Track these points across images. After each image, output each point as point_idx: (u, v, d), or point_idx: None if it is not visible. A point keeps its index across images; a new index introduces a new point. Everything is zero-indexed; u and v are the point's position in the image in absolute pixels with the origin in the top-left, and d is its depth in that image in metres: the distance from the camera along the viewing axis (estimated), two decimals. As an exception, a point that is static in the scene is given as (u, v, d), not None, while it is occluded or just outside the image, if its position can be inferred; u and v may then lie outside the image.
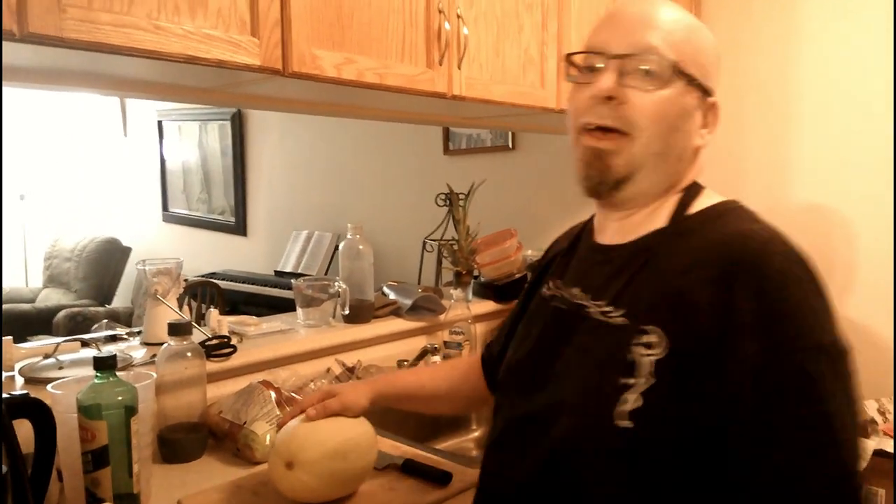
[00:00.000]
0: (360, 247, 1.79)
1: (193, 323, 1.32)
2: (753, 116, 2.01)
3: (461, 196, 2.10)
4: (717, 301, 0.70)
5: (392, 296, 1.92)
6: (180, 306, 1.51)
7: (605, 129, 0.80)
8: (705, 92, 0.82)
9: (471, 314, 1.86)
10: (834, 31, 1.85)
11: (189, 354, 1.20)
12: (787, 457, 0.65)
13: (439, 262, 2.44)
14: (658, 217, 0.83)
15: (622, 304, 0.78)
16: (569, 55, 0.85)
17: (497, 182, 2.61)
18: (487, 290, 2.12)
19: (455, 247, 2.05)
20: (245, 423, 1.18)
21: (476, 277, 2.14)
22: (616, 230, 0.87)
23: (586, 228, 0.96)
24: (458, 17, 1.44)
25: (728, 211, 0.81)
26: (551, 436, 0.78)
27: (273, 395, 1.21)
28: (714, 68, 0.84)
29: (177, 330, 1.19)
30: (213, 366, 1.36)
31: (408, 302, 1.85)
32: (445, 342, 1.83)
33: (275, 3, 1.14)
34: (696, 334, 0.70)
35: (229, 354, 1.41)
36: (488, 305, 2.03)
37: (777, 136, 1.97)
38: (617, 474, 0.72)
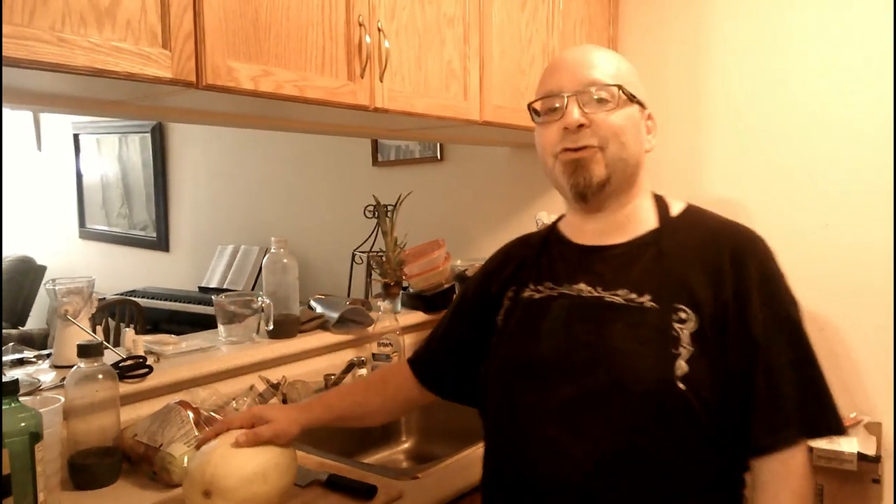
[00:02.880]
0: (285, 260, 1.76)
1: (106, 343, 1.28)
2: (669, 118, 2.11)
3: (388, 207, 2.10)
4: (734, 274, 0.93)
5: (319, 309, 1.90)
6: (95, 326, 1.45)
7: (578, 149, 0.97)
8: (642, 105, 1.01)
9: (399, 325, 1.86)
10: (742, 34, 1.98)
11: (100, 376, 1.15)
12: (786, 367, 0.90)
13: (369, 275, 2.43)
14: (642, 219, 1.01)
15: (645, 290, 0.94)
16: (530, 104, 1.03)
17: (426, 193, 2.63)
18: (416, 300, 2.12)
19: (383, 258, 2.05)
20: (161, 445, 1.14)
21: (405, 288, 2.14)
22: (600, 231, 1.02)
23: (553, 237, 1.09)
24: (379, 30, 1.45)
25: (700, 212, 1.04)
26: (623, 408, 0.89)
27: (191, 415, 1.17)
28: (640, 86, 1.02)
29: (87, 351, 1.14)
30: (127, 387, 1.32)
31: (335, 315, 1.84)
32: (374, 354, 1.82)
33: (187, 16, 1.12)
34: (720, 302, 0.91)
35: (144, 375, 1.36)
36: (417, 316, 2.03)
37: (691, 135, 2.09)
38: (682, 431, 0.89)
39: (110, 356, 1.35)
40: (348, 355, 1.79)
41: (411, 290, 2.15)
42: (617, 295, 0.95)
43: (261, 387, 1.52)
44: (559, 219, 1.12)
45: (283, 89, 1.27)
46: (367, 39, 1.41)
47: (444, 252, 2.14)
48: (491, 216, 2.53)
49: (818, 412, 0.90)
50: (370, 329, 1.85)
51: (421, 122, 1.74)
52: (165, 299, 3.53)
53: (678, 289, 0.93)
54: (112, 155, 4.42)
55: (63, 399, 1.14)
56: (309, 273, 3.01)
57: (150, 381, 1.38)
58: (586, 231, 1.03)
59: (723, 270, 0.93)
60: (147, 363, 1.39)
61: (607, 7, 2.17)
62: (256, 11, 1.22)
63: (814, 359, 0.93)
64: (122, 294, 3.62)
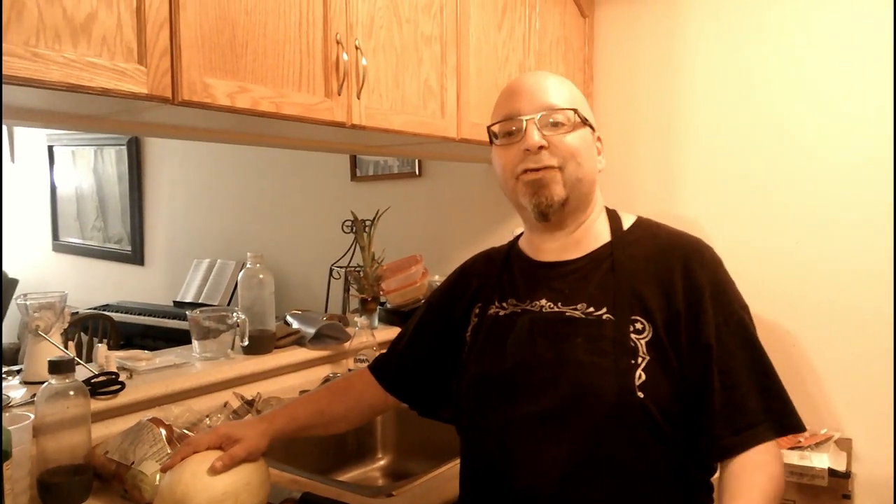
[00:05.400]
0: (261, 276, 1.76)
1: (78, 359, 1.26)
2: (642, 136, 2.15)
3: (366, 222, 2.11)
4: (686, 285, 0.96)
5: (295, 325, 1.90)
6: (67, 341, 1.43)
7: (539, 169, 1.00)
8: (592, 128, 1.06)
9: (376, 341, 1.86)
10: (715, 55, 2.02)
11: (71, 393, 1.14)
12: (742, 369, 0.94)
13: (346, 290, 2.43)
14: (597, 234, 1.05)
15: (602, 304, 0.98)
16: (489, 126, 1.06)
17: (404, 208, 2.64)
18: (394, 316, 2.13)
19: (361, 274, 2.05)
20: (133, 463, 1.13)
21: (382, 304, 2.15)
22: (559, 248, 1.05)
23: (514, 254, 1.12)
24: (357, 47, 1.46)
25: (650, 224, 1.08)
26: (586, 419, 0.92)
27: (164, 432, 1.16)
28: (589, 111, 1.07)
29: (58, 367, 1.13)
30: (99, 404, 1.30)
31: (311, 331, 1.83)
32: (350, 370, 1.82)
33: (163, 32, 1.12)
34: (673, 312, 0.95)
35: (117, 391, 1.35)
36: (394, 332, 2.01)
37: (664, 153, 2.13)
38: (644, 438, 0.91)
39: (82, 372, 1.33)
40: (324, 371, 1.78)
41: (389, 305, 2.15)
42: (576, 309, 0.99)
43: (235, 403, 1.51)
44: (518, 236, 1.16)
45: (260, 105, 1.27)
46: (345, 57, 1.42)
47: (422, 268, 2.15)
48: (469, 232, 2.54)
49: (781, 410, 0.93)
50: (347, 345, 1.85)
51: (398, 138, 1.75)
52: (139, 314, 3.48)
53: (632, 300, 0.97)
54: (87, 167, 4.37)
55: (33, 416, 1.12)
56: (285, 288, 3.00)
57: (123, 398, 1.36)
58: (545, 248, 1.07)
59: (674, 281, 0.97)
60: (119, 379, 1.38)
61: (582, 27, 2.20)
62: (233, 28, 1.23)
63: (767, 360, 0.96)
64: (95, 308, 3.56)
